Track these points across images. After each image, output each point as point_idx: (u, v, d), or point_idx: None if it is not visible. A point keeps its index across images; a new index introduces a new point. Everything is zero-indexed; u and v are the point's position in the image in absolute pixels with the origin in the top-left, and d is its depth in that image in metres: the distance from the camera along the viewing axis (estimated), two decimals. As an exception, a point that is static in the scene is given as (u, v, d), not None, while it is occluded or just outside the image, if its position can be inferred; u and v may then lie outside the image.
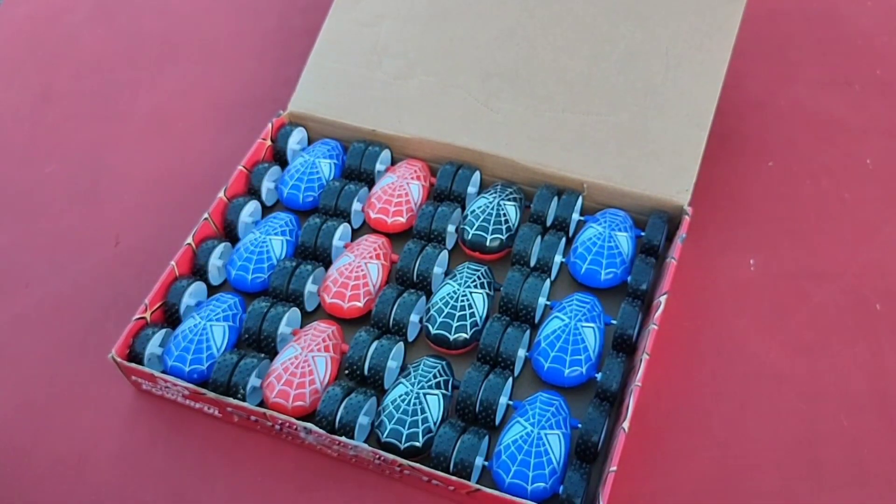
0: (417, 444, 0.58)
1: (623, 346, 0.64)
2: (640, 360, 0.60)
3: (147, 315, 0.65)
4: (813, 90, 0.84)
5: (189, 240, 0.69)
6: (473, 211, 0.70)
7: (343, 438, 0.57)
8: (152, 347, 0.63)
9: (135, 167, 0.81)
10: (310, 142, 0.80)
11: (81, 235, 0.76)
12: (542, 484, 0.56)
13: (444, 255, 0.69)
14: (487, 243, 0.69)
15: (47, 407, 0.65)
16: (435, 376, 0.60)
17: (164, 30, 0.95)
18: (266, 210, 0.76)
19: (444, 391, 0.60)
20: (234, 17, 0.95)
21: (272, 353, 0.65)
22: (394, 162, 0.77)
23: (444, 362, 0.62)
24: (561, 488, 0.56)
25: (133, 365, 0.62)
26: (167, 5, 0.97)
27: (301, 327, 0.66)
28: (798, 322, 0.67)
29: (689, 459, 0.60)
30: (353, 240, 0.73)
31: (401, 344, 0.63)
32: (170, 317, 0.67)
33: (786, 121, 0.81)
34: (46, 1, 0.99)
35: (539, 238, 0.69)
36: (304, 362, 0.62)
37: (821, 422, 0.62)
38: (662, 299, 0.62)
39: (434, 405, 0.59)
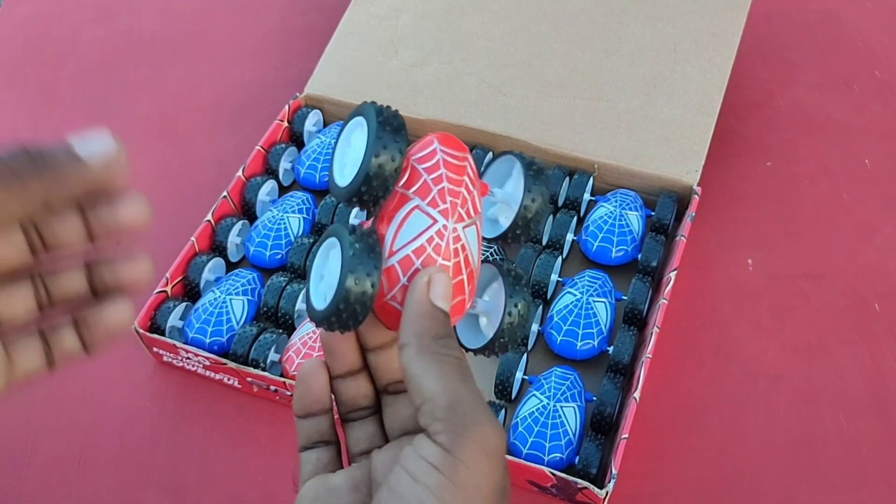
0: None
1: (634, 321, 0.65)
2: (651, 334, 0.62)
3: (168, 289, 0.66)
4: (812, 91, 0.84)
5: (208, 217, 0.70)
6: (487, 191, 0.71)
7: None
8: (173, 320, 0.65)
9: (135, 167, 0.80)
10: (325, 124, 0.81)
11: (81, 236, 0.77)
12: (559, 454, 0.58)
13: (459, 233, 0.71)
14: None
15: (51, 402, 0.65)
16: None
17: (165, 30, 0.95)
18: (283, 189, 0.77)
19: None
20: (235, 17, 0.96)
21: (290, 329, 0.66)
22: (408, 143, 0.79)
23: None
24: (577, 458, 0.58)
25: (155, 336, 0.63)
26: (168, 6, 0.98)
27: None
28: (797, 322, 0.68)
29: (687, 460, 0.61)
30: (368, 219, 0.74)
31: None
32: (189, 291, 0.68)
33: (785, 121, 0.82)
34: (46, 1, 0.99)
35: (551, 217, 0.71)
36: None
37: (819, 422, 0.62)
38: (672, 275, 0.64)
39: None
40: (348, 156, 0.33)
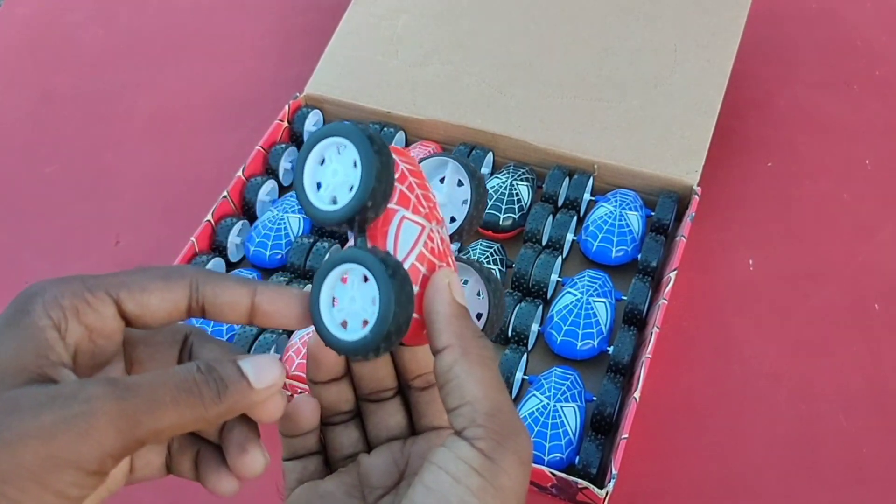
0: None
1: (634, 321, 0.65)
2: (651, 334, 0.62)
3: (168, 289, 0.66)
4: (812, 91, 0.84)
5: (208, 217, 0.70)
6: (487, 191, 0.71)
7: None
8: (173, 320, 0.65)
9: (135, 167, 0.82)
10: (325, 124, 0.81)
11: (81, 235, 0.76)
12: (559, 454, 0.58)
13: (459, 233, 0.71)
14: (500, 222, 0.70)
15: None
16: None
17: (165, 30, 0.95)
18: (283, 189, 0.77)
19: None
20: (235, 17, 0.96)
21: (289, 329, 0.66)
22: (408, 144, 0.79)
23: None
24: (577, 458, 0.58)
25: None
26: (167, 5, 0.98)
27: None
28: (797, 322, 0.68)
29: (687, 460, 0.61)
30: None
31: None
32: (189, 291, 0.68)
33: (785, 121, 0.82)
34: (46, 1, 0.99)
35: (551, 217, 0.71)
36: None
37: (819, 420, 0.62)
38: (672, 275, 0.64)
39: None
40: (328, 179, 0.32)
